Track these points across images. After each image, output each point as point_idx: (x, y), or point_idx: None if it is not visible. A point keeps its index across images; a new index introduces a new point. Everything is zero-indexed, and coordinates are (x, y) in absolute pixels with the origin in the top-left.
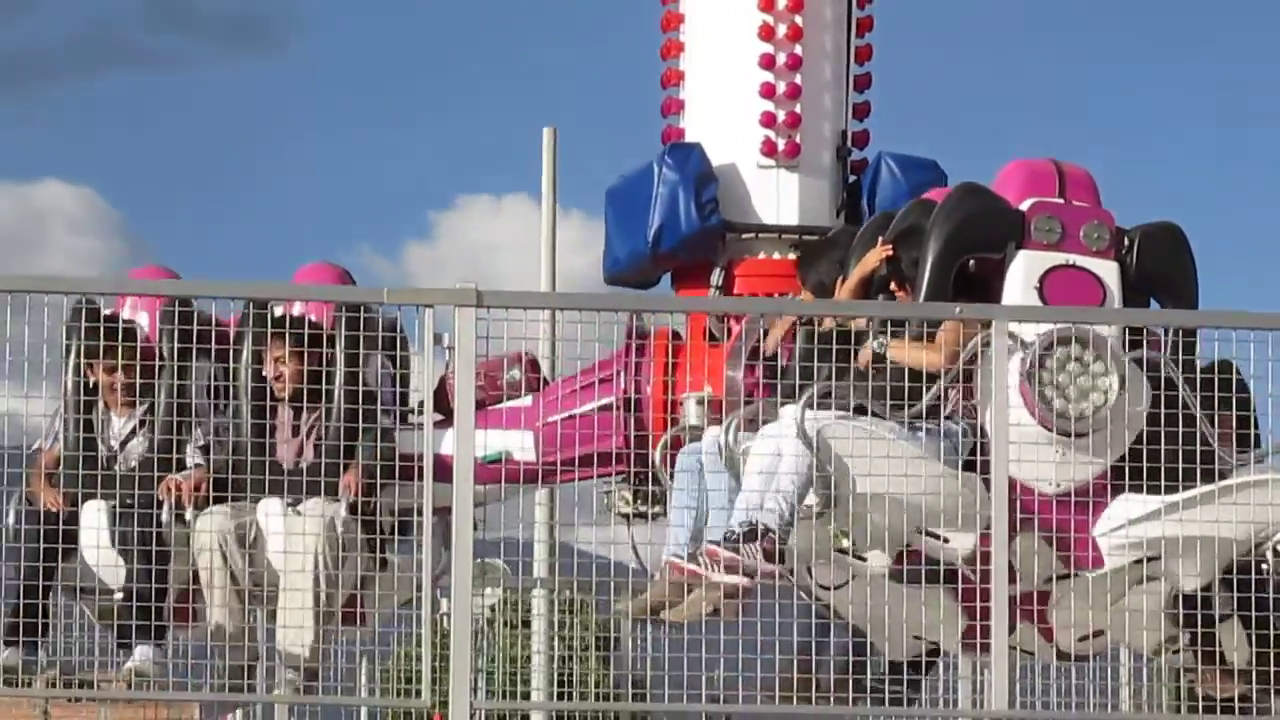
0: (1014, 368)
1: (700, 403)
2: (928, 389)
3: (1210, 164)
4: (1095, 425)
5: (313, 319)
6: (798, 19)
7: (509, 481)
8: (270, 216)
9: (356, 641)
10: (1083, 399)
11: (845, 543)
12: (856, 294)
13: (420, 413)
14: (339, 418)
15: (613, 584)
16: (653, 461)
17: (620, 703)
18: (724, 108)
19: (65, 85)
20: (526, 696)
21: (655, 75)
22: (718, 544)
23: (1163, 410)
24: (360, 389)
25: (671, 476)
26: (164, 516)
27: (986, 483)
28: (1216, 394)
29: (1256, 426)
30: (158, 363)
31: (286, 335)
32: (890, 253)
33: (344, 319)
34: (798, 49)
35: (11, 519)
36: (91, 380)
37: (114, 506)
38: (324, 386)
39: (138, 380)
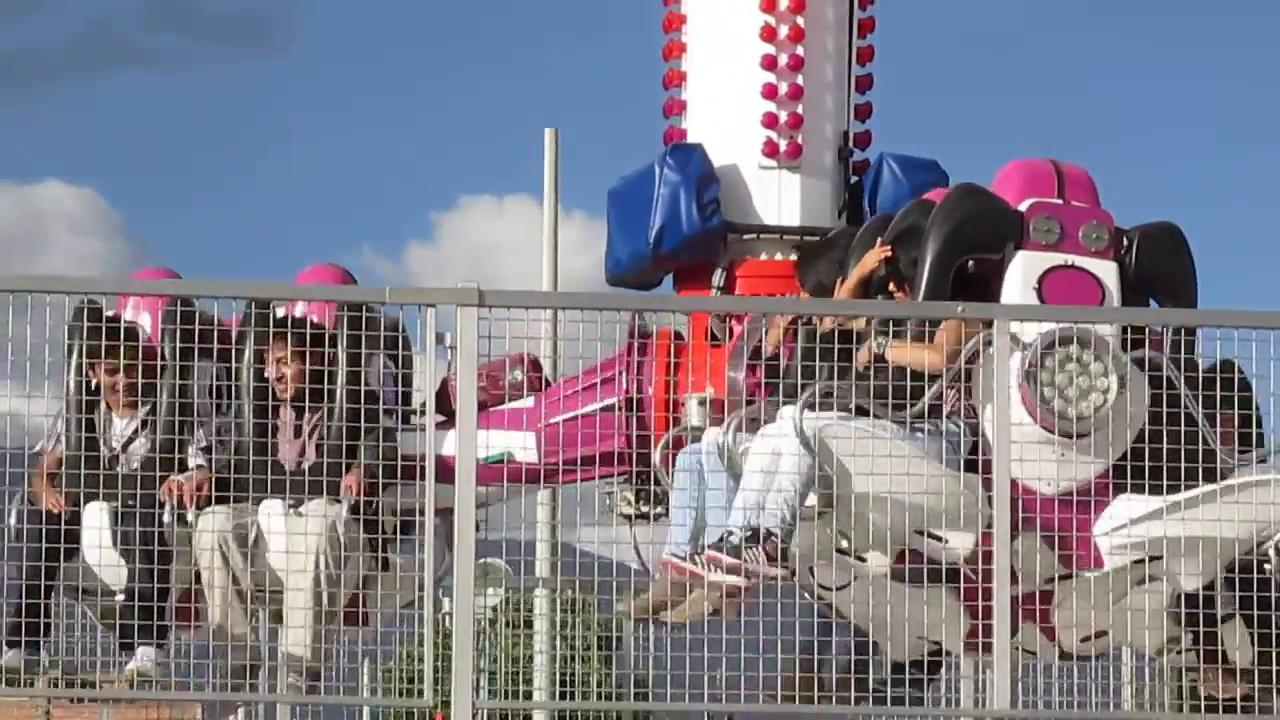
0: (1014, 368)
1: (702, 403)
2: (927, 389)
3: (1210, 164)
4: (1095, 425)
5: (314, 319)
6: (799, 20)
7: (511, 482)
8: (272, 217)
9: (359, 641)
10: (1082, 399)
11: (844, 544)
12: (855, 295)
13: (422, 413)
14: (341, 418)
15: (614, 584)
16: (654, 462)
17: (622, 703)
18: (726, 108)
19: (66, 85)
20: (529, 696)
21: (657, 76)
22: (718, 548)
23: (1164, 410)
24: (362, 389)
25: (671, 477)
26: (166, 517)
27: (986, 483)
28: (1219, 393)
29: (1259, 426)
30: (159, 363)
31: (288, 336)
32: (889, 253)
33: (346, 319)
34: (799, 50)
35: (13, 520)
36: (93, 381)
37: (116, 507)
38: (326, 387)
39: (140, 381)
